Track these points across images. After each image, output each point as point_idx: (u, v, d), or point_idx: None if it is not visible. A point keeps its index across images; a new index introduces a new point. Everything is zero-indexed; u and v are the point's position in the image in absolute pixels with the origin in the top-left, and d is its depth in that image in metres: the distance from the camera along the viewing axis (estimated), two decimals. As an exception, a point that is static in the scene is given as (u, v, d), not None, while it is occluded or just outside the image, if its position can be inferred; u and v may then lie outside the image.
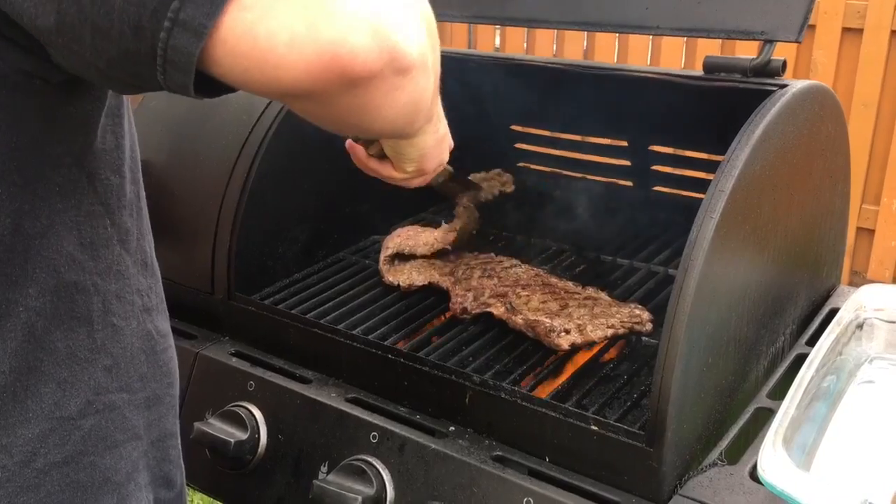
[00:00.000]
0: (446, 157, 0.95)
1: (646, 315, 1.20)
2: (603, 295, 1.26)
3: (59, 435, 0.75)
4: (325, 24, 0.56)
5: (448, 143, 0.94)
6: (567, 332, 1.15)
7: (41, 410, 0.74)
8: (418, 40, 0.62)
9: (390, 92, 0.62)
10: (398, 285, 1.33)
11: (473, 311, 1.23)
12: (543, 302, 1.22)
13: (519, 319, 1.18)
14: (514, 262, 1.36)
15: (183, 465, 0.95)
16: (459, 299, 1.26)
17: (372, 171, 0.99)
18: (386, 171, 0.97)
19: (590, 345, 1.16)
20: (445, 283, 1.32)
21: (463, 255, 1.39)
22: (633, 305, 1.23)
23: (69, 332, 0.75)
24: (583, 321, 1.17)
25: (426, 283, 1.33)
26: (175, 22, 0.55)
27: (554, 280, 1.30)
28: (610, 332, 1.16)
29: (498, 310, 1.21)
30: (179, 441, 0.93)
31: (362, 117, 0.64)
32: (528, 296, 1.23)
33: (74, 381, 0.76)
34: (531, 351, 1.17)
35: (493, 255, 1.39)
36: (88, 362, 0.77)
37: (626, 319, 1.19)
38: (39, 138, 0.69)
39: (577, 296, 1.25)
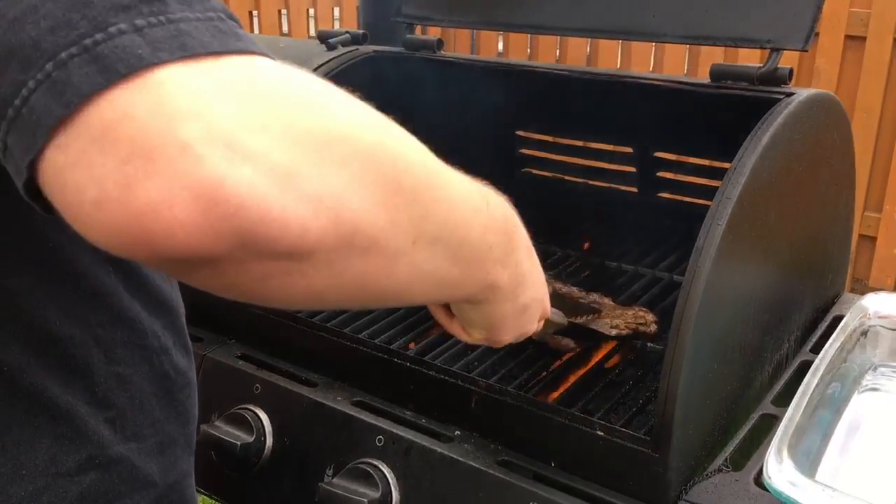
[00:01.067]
0: (532, 328, 0.82)
1: (650, 317, 1.21)
2: (607, 300, 1.27)
3: (53, 492, 0.69)
4: (142, 185, 0.44)
5: (537, 311, 0.81)
6: None
7: (35, 467, 0.68)
8: (330, 213, 0.47)
9: (269, 278, 0.49)
10: None
11: None
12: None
13: None
14: None
15: (196, 497, 0.90)
16: None
17: (441, 323, 0.85)
18: (454, 328, 0.83)
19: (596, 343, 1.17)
20: None
21: None
22: (637, 308, 1.24)
23: (65, 386, 0.68)
24: (589, 322, 1.18)
25: None
26: (3, 150, 0.48)
27: (559, 285, 1.31)
28: (614, 332, 1.17)
29: None
30: (193, 478, 0.87)
31: (250, 297, 0.52)
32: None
33: (74, 435, 0.70)
34: (536, 356, 1.18)
35: None
36: (90, 416, 0.71)
37: (630, 321, 1.19)
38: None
39: (581, 301, 1.26)
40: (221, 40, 0.48)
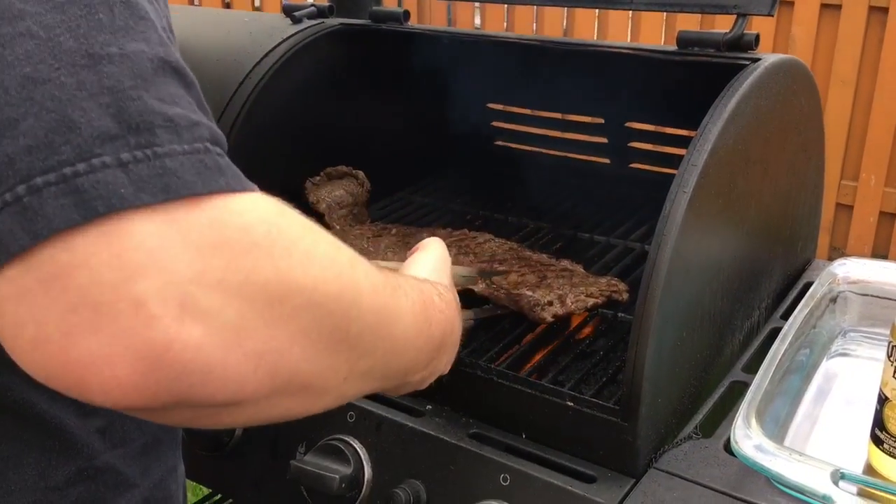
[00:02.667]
0: (445, 368, 0.84)
1: (622, 285, 1.21)
2: (579, 267, 1.27)
3: None
4: (84, 338, 0.43)
5: (441, 366, 0.82)
6: (550, 304, 1.15)
7: (24, 482, 0.66)
8: (270, 367, 0.49)
9: (197, 420, 0.51)
10: None
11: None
12: (521, 275, 1.22)
13: (501, 294, 1.19)
14: (488, 236, 1.36)
15: (185, 486, 0.89)
16: None
17: None
18: None
19: (571, 315, 1.16)
20: None
21: (436, 232, 1.39)
22: (609, 277, 1.24)
23: (52, 400, 0.66)
24: (563, 291, 1.18)
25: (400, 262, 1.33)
26: None
27: (528, 253, 1.31)
28: (591, 301, 1.17)
29: (479, 287, 1.21)
30: (183, 469, 0.86)
31: (203, 426, 0.53)
32: (506, 269, 1.24)
33: (63, 448, 0.68)
34: (507, 328, 1.18)
35: (466, 231, 1.38)
36: (79, 427, 0.69)
37: (604, 288, 1.19)
38: None
39: (552, 268, 1.26)
40: (206, 178, 0.47)
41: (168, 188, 0.45)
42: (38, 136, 0.44)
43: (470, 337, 1.16)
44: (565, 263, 1.28)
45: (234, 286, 0.46)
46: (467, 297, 1.23)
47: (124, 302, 0.43)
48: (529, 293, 1.16)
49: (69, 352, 0.43)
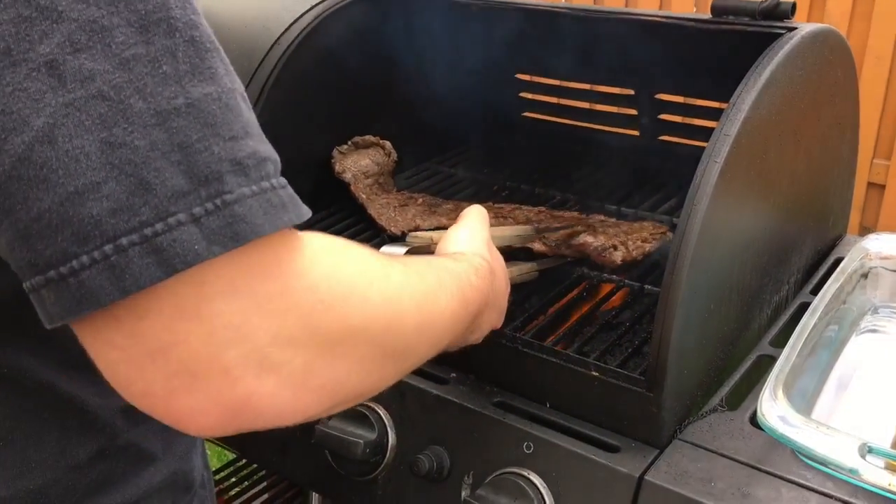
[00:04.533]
0: (499, 321, 0.95)
1: (664, 227, 1.22)
2: (611, 219, 1.29)
3: (62, 486, 0.70)
4: (183, 397, 0.51)
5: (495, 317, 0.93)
6: (615, 248, 1.16)
7: (43, 461, 0.68)
8: (332, 395, 0.57)
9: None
10: (401, 233, 1.33)
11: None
12: (572, 230, 1.22)
13: (563, 248, 1.19)
14: (515, 205, 1.36)
15: (207, 457, 0.92)
16: None
17: None
18: None
19: (635, 261, 1.17)
20: None
21: (460, 204, 1.38)
22: (650, 222, 1.25)
23: (70, 380, 0.68)
24: (620, 238, 1.18)
25: (434, 228, 1.32)
26: (31, 290, 0.49)
27: (560, 213, 1.33)
28: (647, 246, 1.17)
29: (537, 245, 1.21)
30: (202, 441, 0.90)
31: None
32: (561, 227, 1.24)
33: (84, 428, 0.71)
34: (533, 298, 1.17)
35: (490, 203, 1.38)
36: (101, 408, 0.71)
37: (654, 232, 1.20)
38: None
39: (590, 220, 1.27)
40: (272, 217, 0.51)
41: (237, 235, 0.49)
42: (121, 198, 0.47)
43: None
44: (598, 217, 1.30)
45: (303, 340, 0.53)
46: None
47: (215, 369, 0.50)
48: (593, 240, 1.17)
49: (171, 404, 0.51)
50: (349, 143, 1.44)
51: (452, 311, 0.73)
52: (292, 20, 1.32)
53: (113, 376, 0.52)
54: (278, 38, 1.30)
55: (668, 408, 0.92)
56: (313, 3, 1.35)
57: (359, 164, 1.43)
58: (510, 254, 1.15)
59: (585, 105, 1.63)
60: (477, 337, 0.89)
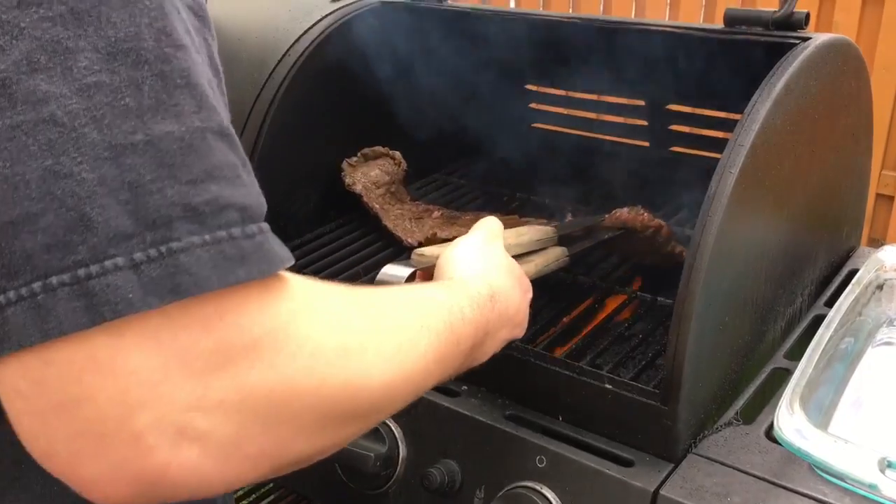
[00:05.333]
0: (518, 333, 0.91)
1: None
2: None
3: None
4: (88, 461, 0.46)
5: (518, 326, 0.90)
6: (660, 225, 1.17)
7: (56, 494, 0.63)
8: (272, 462, 0.51)
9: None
10: (417, 243, 1.31)
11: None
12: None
13: (617, 214, 1.18)
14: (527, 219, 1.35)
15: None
16: None
17: None
18: None
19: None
20: None
21: (479, 216, 1.36)
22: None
23: None
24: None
25: (452, 237, 1.29)
26: None
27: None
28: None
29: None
30: None
31: None
32: (581, 227, 1.21)
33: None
34: (545, 310, 1.16)
35: (516, 216, 1.37)
36: None
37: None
38: None
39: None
40: (223, 271, 0.47)
41: (177, 288, 0.45)
42: (57, 234, 0.44)
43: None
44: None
45: (235, 404, 0.47)
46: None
47: (124, 434, 0.45)
48: (641, 210, 1.16)
49: (74, 469, 0.46)
50: (358, 154, 1.44)
51: (437, 355, 0.67)
52: (301, 32, 1.32)
53: (19, 429, 0.47)
54: (288, 50, 1.30)
55: (683, 421, 0.91)
56: (322, 15, 1.35)
57: (369, 175, 1.42)
58: None
59: (595, 116, 1.63)
60: (484, 358, 0.84)
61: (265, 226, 0.51)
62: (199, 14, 0.53)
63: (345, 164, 1.42)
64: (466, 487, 0.99)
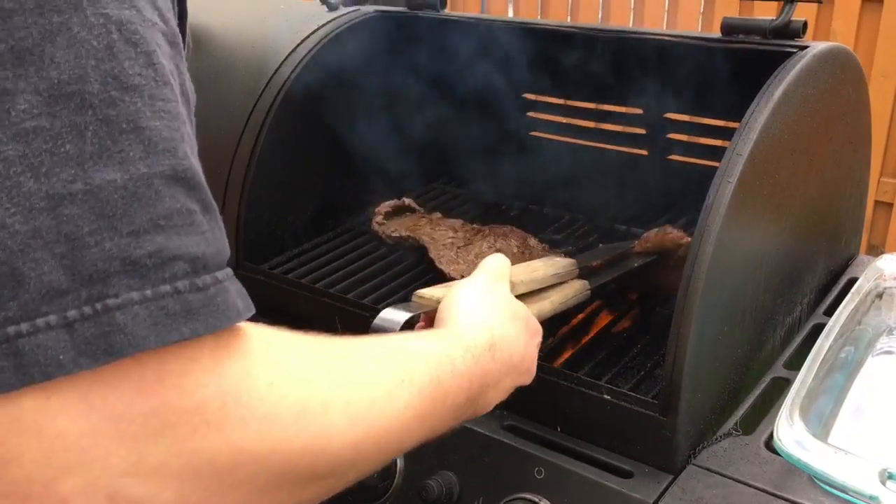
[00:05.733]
0: (524, 380, 0.86)
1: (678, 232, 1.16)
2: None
3: None
4: None
5: (525, 373, 0.85)
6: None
7: None
8: None
9: None
10: (460, 277, 1.26)
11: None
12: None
13: (651, 237, 1.12)
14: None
15: None
16: None
17: None
18: None
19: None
20: None
21: (531, 250, 1.31)
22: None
23: None
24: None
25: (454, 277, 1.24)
26: None
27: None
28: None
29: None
30: None
31: None
32: (600, 263, 1.14)
33: None
34: (544, 321, 1.15)
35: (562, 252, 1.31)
36: None
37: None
38: None
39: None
40: (162, 329, 0.44)
41: (111, 348, 0.43)
42: None
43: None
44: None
45: (175, 469, 0.45)
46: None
47: (50, 499, 0.43)
48: (671, 229, 1.11)
49: None
50: (381, 216, 1.40)
51: (420, 411, 0.62)
52: (298, 41, 1.32)
53: None
54: (284, 60, 1.30)
55: (683, 432, 0.90)
56: (319, 25, 1.35)
57: (405, 223, 1.40)
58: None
59: (593, 124, 1.62)
60: (486, 409, 0.79)
61: (222, 274, 0.48)
62: (173, 41, 0.50)
63: (376, 226, 1.39)
64: (464, 499, 0.99)
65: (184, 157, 0.47)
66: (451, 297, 0.83)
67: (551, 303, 0.98)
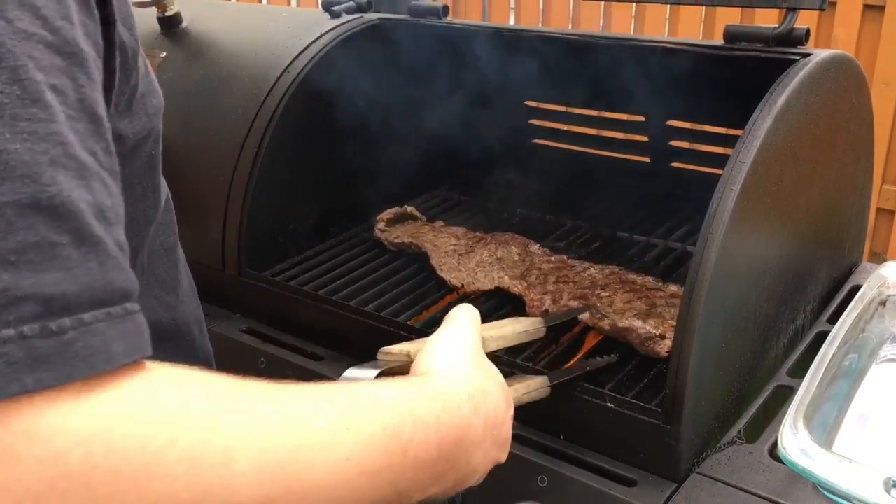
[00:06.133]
0: (498, 455, 0.72)
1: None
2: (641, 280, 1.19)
3: None
4: None
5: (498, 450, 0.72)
6: (663, 336, 1.04)
7: None
8: None
9: None
10: (460, 286, 1.27)
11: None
12: (628, 302, 1.12)
13: (606, 325, 1.08)
14: (587, 264, 1.26)
15: None
16: (537, 303, 1.17)
17: None
18: None
19: None
20: (517, 287, 1.22)
21: (532, 257, 1.30)
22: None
23: None
24: (667, 325, 1.05)
25: (493, 287, 1.25)
26: None
27: (633, 276, 1.20)
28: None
29: (585, 316, 1.11)
30: None
31: None
32: (609, 296, 1.14)
33: None
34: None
35: (563, 258, 1.29)
36: None
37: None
38: None
39: (660, 293, 1.14)
40: (2, 380, 0.39)
41: None
42: None
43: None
44: (673, 289, 1.16)
45: None
46: (499, 297, 1.20)
47: None
48: (640, 324, 1.05)
49: None
50: (383, 222, 1.42)
51: (368, 465, 0.53)
52: (301, 49, 1.32)
53: None
54: (287, 67, 1.30)
55: (686, 440, 0.90)
56: (322, 32, 1.35)
57: (407, 230, 1.41)
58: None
59: (596, 131, 1.62)
60: (472, 477, 0.68)
61: (93, 315, 0.42)
62: (66, 52, 0.45)
63: (378, 233, 1.41)
64: (467, 507, 0.98)
65: (50, 183, 0.42)
66: (424, 349, 0.74)
67: (515, 390, 0.86)
